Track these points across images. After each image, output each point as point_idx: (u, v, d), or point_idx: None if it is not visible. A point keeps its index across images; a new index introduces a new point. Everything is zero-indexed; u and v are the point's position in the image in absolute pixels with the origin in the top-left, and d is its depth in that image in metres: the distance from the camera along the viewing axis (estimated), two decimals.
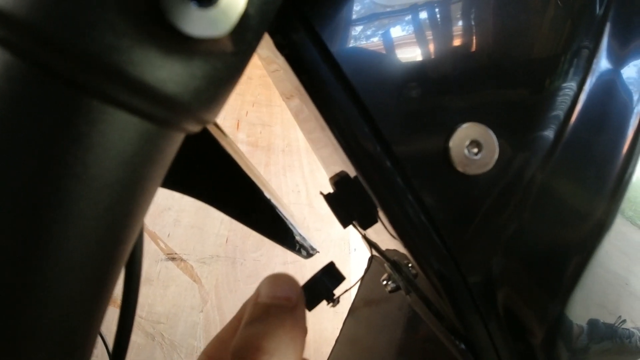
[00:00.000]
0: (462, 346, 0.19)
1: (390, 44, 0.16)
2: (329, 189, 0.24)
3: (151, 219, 1.00)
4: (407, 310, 0.30)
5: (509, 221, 0.17)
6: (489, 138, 0.15)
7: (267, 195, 0.28)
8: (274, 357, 0.16)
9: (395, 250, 0.27)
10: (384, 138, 0.16)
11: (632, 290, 0.21)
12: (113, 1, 0.08)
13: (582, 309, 0.20)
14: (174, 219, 1.16)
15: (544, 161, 0.16)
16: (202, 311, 0.96)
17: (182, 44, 0.09)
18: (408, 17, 0.17)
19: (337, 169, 0.24)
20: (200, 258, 1.05)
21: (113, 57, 0.08)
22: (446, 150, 0.16)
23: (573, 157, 0.17)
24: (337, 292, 0.24)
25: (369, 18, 0.17)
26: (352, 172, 0.20)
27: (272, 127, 1.37)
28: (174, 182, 0.12)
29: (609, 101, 0.17)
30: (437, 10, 0.17)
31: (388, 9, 0.17)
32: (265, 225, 0.28)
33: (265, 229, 0.28)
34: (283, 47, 0.16)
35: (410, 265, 0.23)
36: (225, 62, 0.10)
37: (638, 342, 0.22)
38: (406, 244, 0.17)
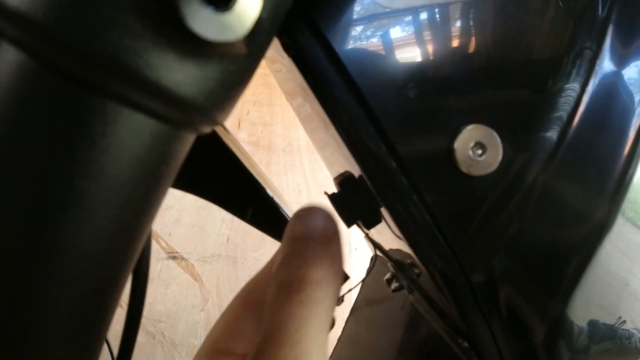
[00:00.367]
0: (465, 344, 0.19)
1: (395, 45, 0.16)
2: (330, 188, 0.24)
3: None
4: (410, 309, 0.30)
5: (511, 221, 0.17)
6: (493, 140, 0.16)
7: (270, 193, 0.28)
8: (319, 286, 0.16)
9: (398, 250, 0.27)
10: (389, 138, 0.16)
11: (632, 290, 0.21)
12: (130, 4, 0.08)
13: (582, 309, 0.20)
14: (175, 218, 1.16)
15: (546, 162, 0.17)
16: (203, 310, 0.96)
17: (198, 48, 0.09)
18: (412, 19, 0.17)
19: (341, 169, 0.25)
20: (201, 257, 1.05)
21: (129, 59, 0.08)
22: (451, 151, 0.16)
23: (575, 158, 0.17)
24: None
25: (374, 19, 0.17)
26: (356, 172, 0.20)
27: (273, 127, 1.37)
28: (177, 181, 0.12)
29: (611, 102, 0.17)
30: (440, 11, 0.17)
31: (393, 10, 0.17)
32: (268, 223, 0.28)
33: (268, 227, 0.28)
34: (289, 47, 0.17)
35: (413, 264, 0.23)
36: (238, 65, 0.10)
37: (638, 343, 0.22)
38: (410, 244, 0.18)
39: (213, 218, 1.09)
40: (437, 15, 0.17)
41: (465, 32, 0.17)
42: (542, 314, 0.19)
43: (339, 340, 0.38)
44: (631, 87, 0.17)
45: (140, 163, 0.10)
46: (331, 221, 0.18)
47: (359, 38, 0.16)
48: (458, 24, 0.17)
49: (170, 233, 1.08)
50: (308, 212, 0.18)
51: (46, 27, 0.08)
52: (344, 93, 0.16)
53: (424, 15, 0.17)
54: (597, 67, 0.17)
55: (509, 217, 0.17)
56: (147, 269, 0.17)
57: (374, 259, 0.35)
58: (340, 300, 0.23)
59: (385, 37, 0.16)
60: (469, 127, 0.16)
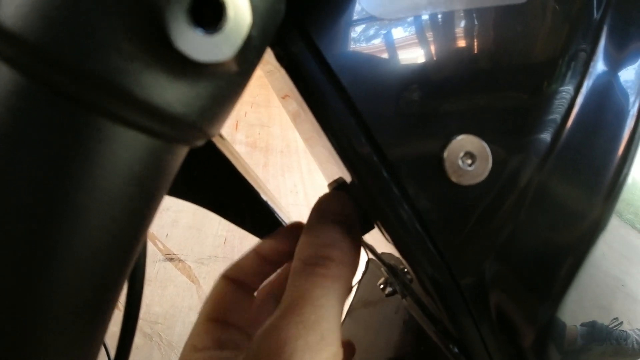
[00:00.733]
0: (456, 350, 0.20)
1: (387, 56, 0.17)
2: (327, 190, 0.25)
3: None
4: (404, 313, 0.30)
5: (502, 227, 0.18)
6: (483, 150, 0.16)
7: (265, 197, 0.29)
8: (341, 265, 0.17)
9: (390, 254, 0.27)
10: (380, 147, 0.16)
11: (629, 292, 0.21)
12: (122, 26, 0.08)
13: (577, 310, 0.20)
14: (172, 220, 1.16)
15: (540, 165, 0.17)
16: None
17: (188, 67, 0.09)
18: (404, 30, 0.17)
19: (335, 175, 0.25)
20: (198, 259, 1.05)
21: (121, 79, 0.09)
22: (440, 160, 0.16)
23: (569, 160, 0.17)
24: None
25: (367, 30, 0.17)
26: (349, 179, 0.21)
27: (271, 128, 1.37)
28: (171, 188, 0.12)
29: (605, 103, 0.17)
30: (432, 22, 0.17)
31: (385, 22, 0.17)
32: (264, 229, 0.28)
33: (264, 232, 0.28)
34: (282, 58, 0.17)
35: (405, 270, 0.24)
36: (229, 81, 0.10)
37: (635, 344, 0.22)
38: (401, 251, 0.18)
39: (210, 220, 1.09)
40: (430, 26, 0.17)
41: (457, 41, 0.17)
42: (531, 318, 0.20)
43: None
44: (625, 89, 0.17)
45: (134, 177, 0.10)
46: (352, 207, 0.20)
47: (351, 48, 0.17)
48: (450, 33, 0.17)
49: (167, 235, 1.08)
50: (332, 198, 0.20)
51: (40, 48, 0.08)
52: (335, 103, 0.16)
53: (416, 27, 0.17)
54: (591, 69, 0.17)
55: (500, 223, 0.17)
56: (143, 273, 0.17)
57: (368, 263, 0.35)
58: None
59: (377, 48, 0.17)
60: (459, 137, 0.16)
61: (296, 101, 0.20)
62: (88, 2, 0.08)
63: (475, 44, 0.17)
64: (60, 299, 0.10)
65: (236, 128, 1.37)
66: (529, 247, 0.18)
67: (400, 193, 0.16)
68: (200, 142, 0.12)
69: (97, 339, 0.12)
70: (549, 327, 0.20)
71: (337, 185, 0.23)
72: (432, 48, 0.17)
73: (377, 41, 0.17)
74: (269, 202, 0.29)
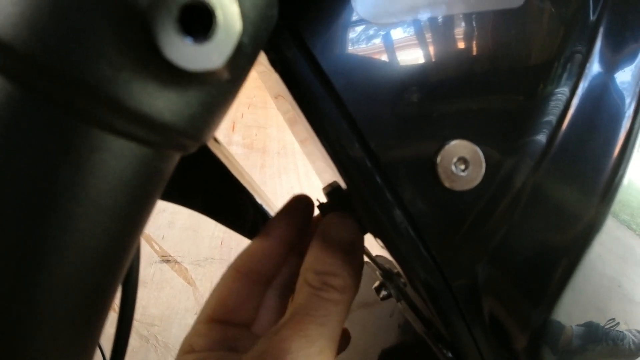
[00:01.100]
0: (449, 354, 0.20)
1: (381, 60, 0.17)
2: (322, 193, 0.25)
3: None
4: (398, 316, 0.30)
5: (495, 231, 0.18)
6: (477, 156, 0.16)
7: (260, 200, 0.28)
8: (342, 291, 0.19)
9: (385, 257, 0.27)
10: (373, 152, 0.16)
11: (626, 292, 0.21)
12: (111, 35, 0.08)
13: (573, 311, 0.20)
14: (169, 221, 1.16)
15: (534, 168, 0.17)
16: (196, 313, 0.96)
17: (178, 76, 0.09)
18: (398, 34, 0.17)
19: (329, 178, 0.25)
20: (194, 260, 1.05)
21: (110, 88, 0.09)
22: (434, 165, 0.16)
23: (565, 162, 0.17)
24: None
25: (360, 34, 0.17)
26: (343, 183, 0.21)
27: (267, 130, 1.37)
28: (165, 193, 0.12)
29: (601, 105, 0.17)
30: (427, 26, 0.17)
31: (379, 26, 0.17)
32: (258, 233, 0.28)
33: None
34: (276, 62, 0.17)
35: (399, 273, 0.24)
36: (220, 89, 0.10)
37: (631, 345, 0.22)
38: (394, 255, 0.18)
39: (206, 221, 1.09)
40: (424, 30, 0.17)
41: (451, 44, 0.17)
42: (525, 322, 0.20)
43: None
44: (621, 90, 0.17)
45: (125, 184, 0.10)
46: (358, 234, 0.21)
47: (345, 52, 0.17)
48: (444, 37, 0.17)
49: (163, 236, 1.08)
50: (340, 221, 0.21)
51: (28, 57, 0.08)
52: (329, 107, 0.16)
53: (410, 31, 0.17)
54: (586, 71, 0.17)
55: (493, 227, 0.17)
56: (137, 275, 0.17)
57: (363, 265, 0.35)
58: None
59: (371, 52, 0.17)
60: (453, 143, 0.16)
61: (290, 104, 0.20)
62: (76, 11, 0.08)
63: (470, 47, 0.17)
64: (53, 305, 0.10)
65: (233, 129, 1.37)
66: (522, 250, 0.18)
67: (393, 197, 0.16)
68: (192, 149, 0.12)
69: (91, 343, 0.12)
70: (543, 330, 0.20)
71: (332, 190, 0.23)
72: (426, 52, 0.17)
73: (371, 45, 0.17)
74: (264, 206, 0.29)
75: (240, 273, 0.24)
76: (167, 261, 1.05)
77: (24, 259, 0.09)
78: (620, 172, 0.17)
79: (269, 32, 0.12)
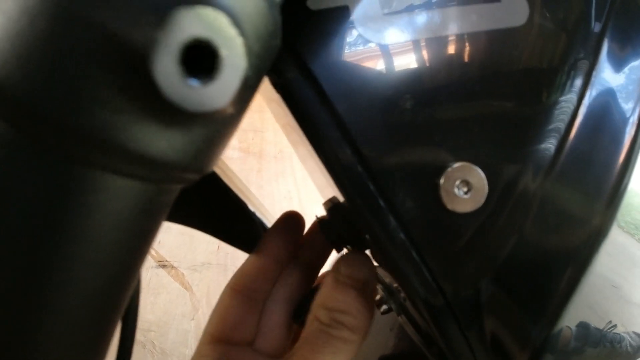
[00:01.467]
0: None
1: (382, 82, 0.16)
2: (320, 197, 0.24)
3: None
4: (398, 330, 0.30)
5: (500, 247, 0.18)
6: (479, 178, 0.16)
7: (252, 208, 0.28)
8: (352, 331, 0.19)
9: (386, 273, 0.27)
10: (375, 177, 0.16)
11: (623, 294, 0.21)
12: (107, 79, 0.08)
13: (572, 314, 0.20)
14: (165, 226, 1.14)
15: (544, 176, 0.17)
16: (193, 319, 0.96)
17: (181, 117, 0.09)
18: (400, 55, 0.17)
19: (329, 193, 0.25)
20: (191, 265, 1.04)
21: (110, 134, 0.08)
22: (436, 186, 0.16)
23: (574, 169, 0.17)
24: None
25: (362, 56, 0.17)
26: (342, 199, 0.20)
27: (264, 133, 1.37)
28: None
29: (608, 111, 0.17)
30: (430, 46, 0.17)
31: (381, 47, 0.17)
32: (252, 243, 0.27)
33: (253, 247, 0.27)
34: (278, 85, 0.17)
35: (399, 288, 0.23)
36: (224, 123, 0.10)
37: (629, 347, 0.22)
38: (395, 275, 0.18)
39: None
40: (427, 51, 0.17)
41: (454, 62, 0.17)
42: (526, 339, 0.20)
43: None
44: (626, 96, 0.17)
45: (127, 222, 0.10)
46: (372, 275, 0.21)
47: (347, 75, 0.16)
48: (448, 55, 0.17)
49: (159, 241, 1.07)
50: (353, 260, 0.21)
51: (25, 104, 0.08)
52: (331, 130, 0.16)
53: (413, 52, 0.17)
54: (593, 79, 0.17)
55: (498, 243, 0.17)
56: (137, 305, 0.17)
57: (375, 307, 0.35)
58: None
59: (373, 75, 0.17)
60: (456, 165, 0.16)
61: (292, 125, 0.20)
62: (70, 55, 0.08)
63: (472, 63, 0.17)
64: (56, 341, 0.10)
65: None
66: (528, 264, 0.18)
67: (396, 222, 0.16)
68: (195, 180, 0.11)
69: None
70: (544, 346, 0.20)
71: (332, 206, 0.23)
72: (432, 75, 0.17)
73: (374, 68, 0.17)
74: (259, 214, 0.28)
75: (237, 291, 0.24)
76: (164, 266, 1.04)
77: (25, 303, 0.09)
78: (625, 180, 0.17)
79: (272, 60, 0.12)
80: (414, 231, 0.16)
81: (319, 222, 0.23)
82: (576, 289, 0.18)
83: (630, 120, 0.17)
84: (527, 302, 0.19)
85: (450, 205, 0.16)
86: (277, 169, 1.24)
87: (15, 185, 0.09)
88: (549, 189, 0.17)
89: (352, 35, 0.17)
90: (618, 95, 0.17)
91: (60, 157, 0.09)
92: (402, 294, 0.23)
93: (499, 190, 0.16)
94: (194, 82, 0.08)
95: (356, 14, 0.17)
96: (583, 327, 0.20)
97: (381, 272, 0.29)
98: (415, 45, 0.17)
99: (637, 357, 0.23)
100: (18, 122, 0.08)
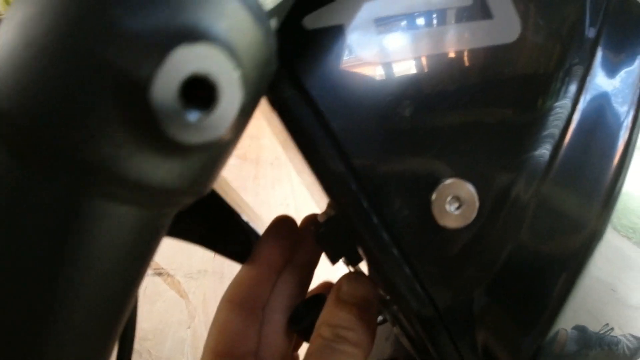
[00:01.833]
0: None
1: (378, 100, 0.17)
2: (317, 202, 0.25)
3: None
4: (393, 340, 0.30)
5: (489, 263, 0.18)
6: (470, 195, 0.16)
7: (245, 218, 0.28)
8: (355, 346, 0.20)
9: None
10: (370, 194, 0.16)
11: (619, 297, 0.21)
12: (113, 113, 0.08)
13: (567, 316, 0.20)
14: None
15: (538, 183, 0.17)
16: (189, 327, 0.95)
17: (180, 148, 0.09)
18: (395, 72, 0.17)
19: (324, 205, 0.25)
20: (187, 273, 1.04)
21: (112, 165, 0.09)
22: (428, 203, 0.16)
23: (569, 174, 0.17)
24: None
25: (358, 75, 0.17)
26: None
27: (261, 140, 1.37)
28: None
29: (602, 116, 0.17)
30: (424, 63, 0.17)
31: (376, 66, 0.17)
32: (247, 253, 0.27)
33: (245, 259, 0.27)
34: (274, 103, 0.17)
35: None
36: (221, 149, 0.11)
37: (626, 350, 0.22)
38: (389, 291, 0.18)
39: None
40: (422, 68, 0.17)
41: (448, 78, 0.17)
42: (518, 349, 0.20)
43: None
44: (620, 101, 0.17)
45: (126, 246, 0.10)
46: (372, 292, 0.21)
47: (343, 93, 0.17)
48: (442, 72, 0.17)
49: None
50: (354, 280, 0.22)
51: (34, 134, 0.08)
52: (327, 150, 0.16)
53: (407, 70, 0.17)
54: (587, 84, 0.17)
55: (489, 258, 0.18)
56: (134, 325, 0.17)
57: (377, 324, 0.35)
58: None
59: (368, 93, 0.17)
60: (448, 182, 0.16)
61: (287, 140, 0.20)
62: (77, 90, 0.08)
63: (466, 76, 0.17)
64: None
65: None
66: (517, 277, 0.18)
67: (390, 238, 0.16)
68: (192, 201, 0.12)
69: None
70: (538, 353, 0.20)
71: (328, 219, 0.23)
72: (425, 88, 0.17)
73: (370, 86, 0.17)
74: (250, 223, 0.28)
75: (234, 304, 0.24)
76: (160, 274, 1.04)
77: (30, 321, 0.10)
78: (619, 183, 0.17)
79: (269, 84, 0.12)
80: (406, 246, 0.17)
81: (315, 235, 0.24)
82: (570, 295, 0.18)
83: (624, 124, 0.17)
84: (520, 311, 0.19)
85: (441, 222, 0.16)
86: (274, 176, 1.24)
87: (17, 211, 0.09)
88: (543, 196, 0.17)
89: (347, 54, 0.17)
90: (612, 99, 0.17)
91: (63, 186, 0.09)
92: (394, 306, 0.24)
93: (491, 203, 0.17)
94: (192, 116, 0.08)
95: (351, 32, 0.17)
96: (579, 330, 0.20)
97: (376, 283, 0.29)
98: (410, 63, 0.17)
99: None
100: (22, 152, 0.09)
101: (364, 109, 0.17)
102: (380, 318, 0.27)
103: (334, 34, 0.17)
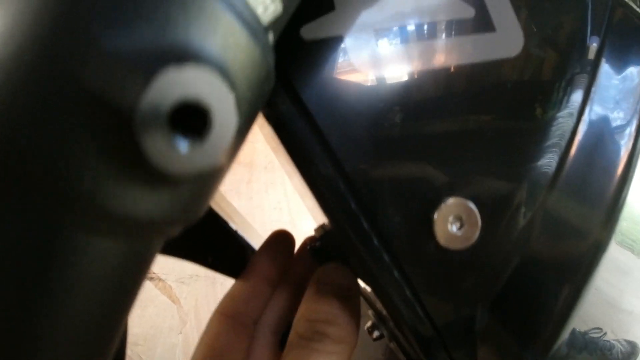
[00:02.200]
0: None
1: (378, 116, 0.16)
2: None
3: None
4: (390, 356, 0.30)
5: (492, 281, 0.17)
6: (472, 214, 0.16)
7: (234, 226, 0.27)
8: (335, 342, 0.18)
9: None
10: (369, 211, 0.16)
11: (613, 302, 0.21)
12: (95, 144, 0.08)
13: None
14: None
15: (545, 194, 0.16)
16: (181, 332, 0.94)
17: (169, 179, 0.08)
18: (394, 85, 0.17)
19: (321, 218, 0.24)
20: (179, 277, 1.03)
21: (92, 198, 0.08)
22: (430, 222, 0.16)
23: (575, 185, 0.16)
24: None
25: (355, 87, 0.17)
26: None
27: (254, 144, 1.36)
28: None
29: (608, 126, 0.17)
30: (424, 75, 0.17)
31: (374, 78, 0.17)
32: (237, 265, 0.26)
33: (236, 270, 0.26)
34: (270, 117, 0.16)
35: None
36: (212, 177, 0.10)
37: (619, 355, 0.22)
38: (387, 310, 0.18)
39: None
40: (422, 80, 0.17)
41: (448, 90, 0.17)
42: None
43: None
44: (626, 109, 0.17)
45: (113, 276, 0.09)
46: (354, 281, 0.20)
47: (342, 107, 0.16)
48: (442, 84, 0.17)
49: None
50: (335, 267, 0.20)
51: (11, 166, 0.08)
52: (324, 165, 0.16)
53: (406, 81, 0.17)
54: (592, 95, 0.17)
55: (492, 276, 0.17)
56: (126, 327, 0.16)
57: (360, 315, 0.35)
58: None
59: (366, 105, 0.16)
60: (449, 201, 0.16)
61: (280, 148, 0.20)
62: (55, 117, 0.07)
63: (467, 89, 0.17)
64: None
65: None
66: (521, 294, 0.18)
67: (390, 259, 0.16)
68: (181, 229, 0.11)
69: None
70: None
71: (323, 233, 0.23)
72: (424, 99, 0.17)
73: (366, 99, 0.16)
74: (239, 232, 0.27)
75: (226, 316, 0.23)
76: (151, 279, 1.02)
77: (14, 350, 0.09)
78: (624, 193, 0.17)
79: (264, 103, 0.12)
80: (409, 271, 0.16)
81: (310, 250, 0.23)
82: (576, 307, 0.18)
83: (628, 132, 0.17)
84: (525, 326, 0.18)
85: (443, 242, 0.16)
86: (268, 180, 1.23)
87: None
88: (550, 207, 0.16)
89: (347, 66, 0.17)
90: (617, 109, 0.17)
91: (37, 220, 0.08)
92: (391, 322, 0.23)
93: (494, 219, 0.16)
94: (182, 146, 0.08)
95: (350, 44, 0.17)
96: (572, 333, 0.20)
97: (372, 295, 0.29)
98: (412, 76, 0.17)
99: None
100: (8, 189, 0.08)
101: (364, 123, 0.16)
102: (377, 333, 0.26)
103: (333, 45, 0.17)
